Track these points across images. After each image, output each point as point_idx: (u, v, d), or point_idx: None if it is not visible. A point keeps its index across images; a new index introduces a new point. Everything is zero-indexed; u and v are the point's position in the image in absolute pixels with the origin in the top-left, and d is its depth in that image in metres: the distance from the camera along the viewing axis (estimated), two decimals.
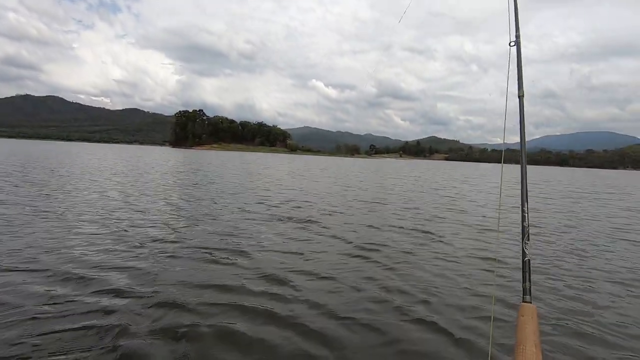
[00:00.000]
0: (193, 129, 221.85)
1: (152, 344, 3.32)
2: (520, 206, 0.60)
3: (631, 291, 5.31)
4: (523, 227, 0.55)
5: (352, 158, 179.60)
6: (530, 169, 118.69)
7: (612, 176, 74.90)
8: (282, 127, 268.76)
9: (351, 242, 7.49)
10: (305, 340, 3.54)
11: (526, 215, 0.57)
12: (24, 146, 69.42)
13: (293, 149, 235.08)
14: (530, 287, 0.52)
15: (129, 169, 25.48)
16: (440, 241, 8.01)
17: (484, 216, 12.04)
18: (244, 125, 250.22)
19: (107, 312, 3.89)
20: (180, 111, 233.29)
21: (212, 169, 31.99)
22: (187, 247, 6.55)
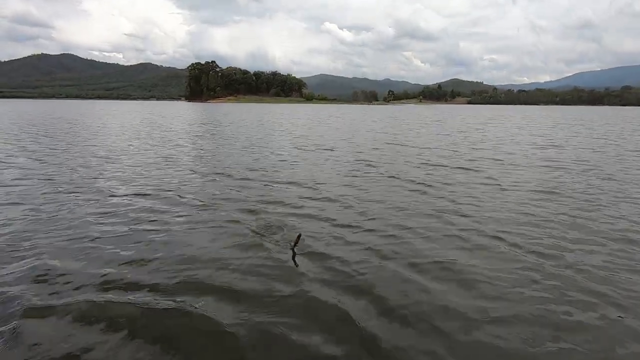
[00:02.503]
0: (207, 81, 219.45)
1: (254, 230, 4.60)
2: None
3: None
4: None
5: (370, 105, 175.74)
6: (540, 109, 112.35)
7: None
8: (297, 76, 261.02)
9: (386, 174, 8.56)
10: (357, 234, 4.73)
11: None
12: (60, 107, 71.62)
13: (309, 99, 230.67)
14: None
15: (167, 124, 26.89)
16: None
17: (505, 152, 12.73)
18: (258, 75, 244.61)
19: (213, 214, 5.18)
20: (192, 64, 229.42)
21: (237, 120, 32.98)
22: (249, 179, 7.79)
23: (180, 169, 8.86)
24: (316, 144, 14.43)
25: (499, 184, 7.55)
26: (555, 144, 15.34)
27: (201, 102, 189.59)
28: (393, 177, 8.22)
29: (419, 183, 7.58)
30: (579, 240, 4.55)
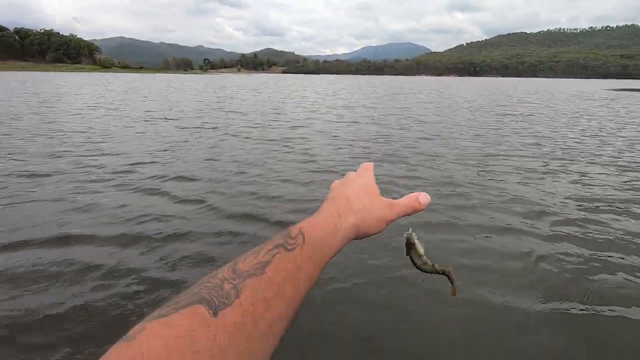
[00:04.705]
0: None
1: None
2: None
3: None
4: None
5: (185, 75, 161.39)
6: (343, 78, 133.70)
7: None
8: (86, 39, 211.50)
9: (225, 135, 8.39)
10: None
11: None
12: None
13: (106, 66, 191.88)
14: None
15: None
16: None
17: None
18: (24, 34, 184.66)
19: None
20: None
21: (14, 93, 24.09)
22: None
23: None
24: (168, 112, 12.59)
25: (332, 136, 8.85)
26: (350, 105, 18.72)
27: None
28: (233, 136, 8.39)
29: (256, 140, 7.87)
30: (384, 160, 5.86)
